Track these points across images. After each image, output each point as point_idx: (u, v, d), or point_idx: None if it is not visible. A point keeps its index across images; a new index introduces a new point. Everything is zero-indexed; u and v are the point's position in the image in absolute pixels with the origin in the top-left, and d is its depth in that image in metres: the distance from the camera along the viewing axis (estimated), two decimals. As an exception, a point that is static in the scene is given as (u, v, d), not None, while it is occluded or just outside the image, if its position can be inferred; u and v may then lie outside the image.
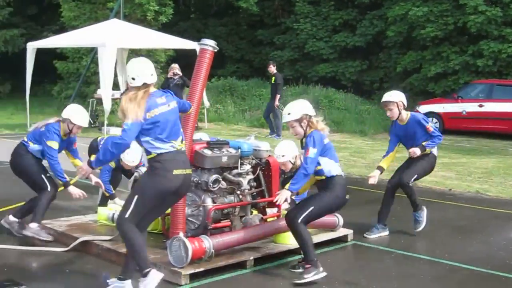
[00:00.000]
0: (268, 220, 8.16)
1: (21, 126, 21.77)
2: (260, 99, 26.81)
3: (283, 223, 7.50)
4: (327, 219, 8.28)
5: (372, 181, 8.84)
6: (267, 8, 34.25)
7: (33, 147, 8.23)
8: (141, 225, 6.24)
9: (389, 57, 28.84)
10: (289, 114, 7.37)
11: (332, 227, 8.56)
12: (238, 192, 7.96)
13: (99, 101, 21.38)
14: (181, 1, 32.00)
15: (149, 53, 26.41)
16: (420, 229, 9.03)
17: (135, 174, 8.22)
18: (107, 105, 19.39)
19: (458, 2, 25.15)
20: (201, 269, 6.84)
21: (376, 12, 29.53)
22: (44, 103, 28.58)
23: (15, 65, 29.12)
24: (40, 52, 21.56)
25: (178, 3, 30.97)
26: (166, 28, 26.09)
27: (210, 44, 7.52)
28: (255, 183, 8.17)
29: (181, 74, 19.93)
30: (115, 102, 22.57)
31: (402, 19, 26.50)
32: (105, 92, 19.39)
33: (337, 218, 8.52)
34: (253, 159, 8.14)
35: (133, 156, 8.38)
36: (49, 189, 8.15)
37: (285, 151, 8.01)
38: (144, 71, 6.12)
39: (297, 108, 7.39)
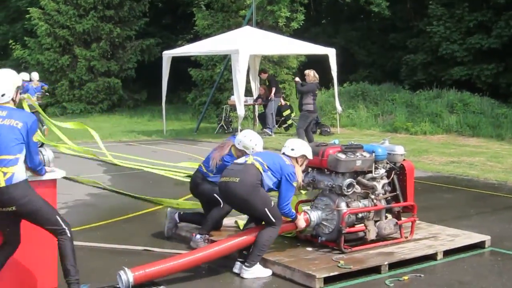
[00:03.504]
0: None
1: (158, 133, 22.49)
2: (393, 103, 26.44)
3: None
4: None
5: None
6: (399, 12, 33.81)
7: (214, 178, 8.24)
8: None
9: (527, 59, 27.92)
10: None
11: None
12: (372, 196, 7.93)
13: (233, 108, 21.76)
14: (312, 7, 32.03)
15: (281, 59, 26.67)
16: None
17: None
18: (240, 111, 19.73)
19: None
20: (335, 273, 6.85)
21: (513, 13, 28.65)
22: (179, 110, 29.35)
23: (151, 73, 30.01)
24: (175, 60, 22.20)
25: (309, 9, 31.03)
26: (297, 34, 26.21)
27: None
28: (389, 188, 8.11)
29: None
30: (248, 108, 22.96)
31: (541, 19, 25.61)
32: (238, 98, 19.71)
33: None
34: (387, 163, 8.08)
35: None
36: (222, 205, 8.19)
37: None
38: None
39: None
